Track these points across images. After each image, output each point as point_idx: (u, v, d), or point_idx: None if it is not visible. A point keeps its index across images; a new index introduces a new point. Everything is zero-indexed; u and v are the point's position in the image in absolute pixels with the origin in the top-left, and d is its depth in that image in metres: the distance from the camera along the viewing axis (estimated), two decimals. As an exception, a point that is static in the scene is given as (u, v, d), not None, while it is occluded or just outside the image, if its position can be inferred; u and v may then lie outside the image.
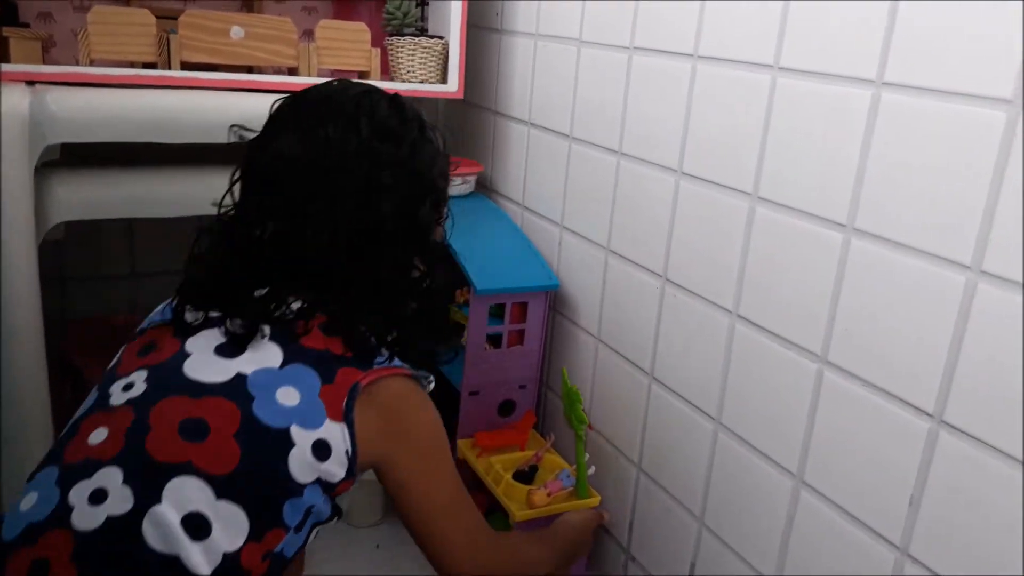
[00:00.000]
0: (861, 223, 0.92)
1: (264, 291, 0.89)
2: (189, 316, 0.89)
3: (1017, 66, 0.77)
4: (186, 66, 1.33)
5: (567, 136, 1.48)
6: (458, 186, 1.66)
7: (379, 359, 0.89)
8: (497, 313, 1.48)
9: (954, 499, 0.84)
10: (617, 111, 1.32)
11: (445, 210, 0.98)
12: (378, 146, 0.90)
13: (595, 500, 1.38)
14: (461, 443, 1.51)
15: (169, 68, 1.32)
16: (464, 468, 1.34)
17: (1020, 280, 0.77)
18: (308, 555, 0.97)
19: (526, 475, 1.40)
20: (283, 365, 0.85)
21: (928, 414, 0.86)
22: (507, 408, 1.56)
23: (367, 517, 1.62)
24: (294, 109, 0.93)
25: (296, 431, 0.82)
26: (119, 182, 1.33)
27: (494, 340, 1.50)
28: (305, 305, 0.88)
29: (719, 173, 1.12)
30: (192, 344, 0.87)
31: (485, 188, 1.78)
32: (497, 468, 1.40)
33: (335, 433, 0.84)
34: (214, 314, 0.88)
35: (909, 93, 0.86)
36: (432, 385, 0.94)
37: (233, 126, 1.01)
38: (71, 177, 1.29)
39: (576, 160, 1.46)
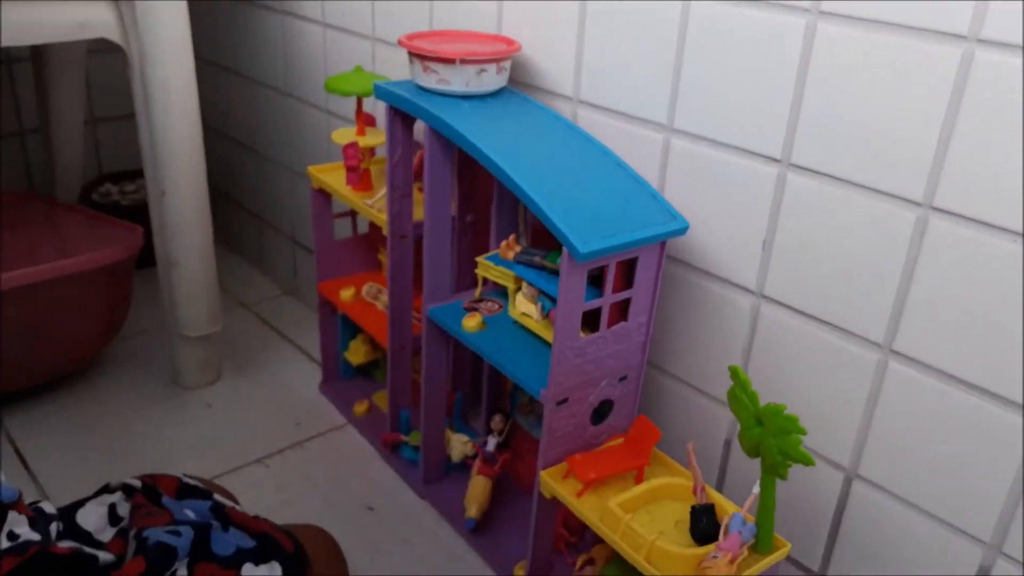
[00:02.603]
0: (797, 158, 0.91)
1: None
2: None
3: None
4: None
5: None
6: (486, 76, 1.08)
7: None
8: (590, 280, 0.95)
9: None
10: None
11: None
12: None
13: (783, 552, 0.91)
14: (547, 476, 1.00)
15: None
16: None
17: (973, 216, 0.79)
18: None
19: (700, 525, 0.91)
20: None
21: (877, 344, 0.89)
22: (603, 411, 1.04)
23: (199, 377, 1.57)
24: None
25: None
26: None
27: (586, 320, 0.97)
28: None
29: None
30: None
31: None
32: (638, 526, 0.90)
33: None
34: None
35: (850, 24, 0.83)
36: None
37: None
38: None
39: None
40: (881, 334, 0.89)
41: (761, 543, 0.90)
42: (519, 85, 1.20)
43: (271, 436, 1.44)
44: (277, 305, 1.89)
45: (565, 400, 0.98)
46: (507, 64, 1.11)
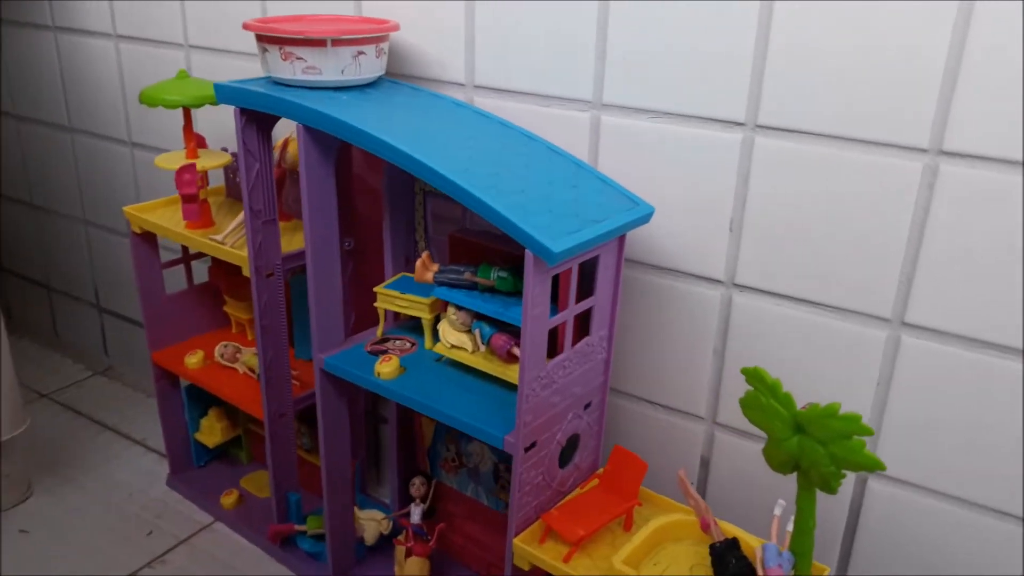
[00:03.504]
0: (767, 118, 0.79)
1: None
2: None
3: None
4: None
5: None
6: (365, 61, 0.87)
7: None
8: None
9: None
10: None
11: None
12: None
13: (823, 578, 0.77)
14: (521, 544, 0.80)
15: None
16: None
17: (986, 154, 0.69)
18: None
19: (731, 567, 0.73)
20: None
21: (885, 319, 0.78)
22: (570, 448, 0.86)
23: (3, 496, 1.20)
24: None
25: None
26: None
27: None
28: None
29: None
30: None
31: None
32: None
33: None
34: None
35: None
36: None
37: None
38: None
39: None
40: (889, 307, 0.77)
41: (800, 572, 0.74)
42: (395, 76, 1.00)
43: (119, 555, 1.11)
44: (88, 390, 1.53)
45: (533, 445, 0.79)
46: (386, 47, 0.90)
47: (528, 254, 0.69)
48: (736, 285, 0.85)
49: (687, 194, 0.84)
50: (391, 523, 1.06)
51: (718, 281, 0.86)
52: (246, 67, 1.13)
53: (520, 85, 0.91)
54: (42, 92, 1.43)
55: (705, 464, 0.94)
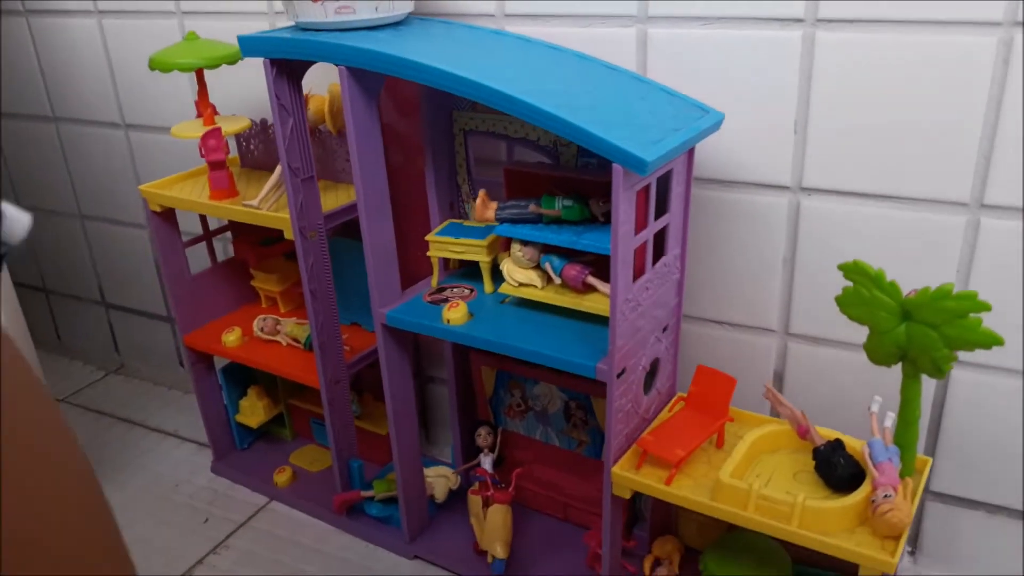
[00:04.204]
0: (827, 11, 0.77)
1: None
2: None
3: None
4: None
5: None
6: None
7: None
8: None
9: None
10: None
11: None
12: None
13: (927, 468, 0.77)
14: (620, 471, 0.78)
15: None
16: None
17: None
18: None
19: (839, 467, 0.73)
20: None
21: (963, 204, 0.77)
22: (651, 374, 0.84)
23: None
24: None
25: None
26: None
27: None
28: None
29: None
30: None
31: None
32: (767, 490, 0.71)
33: None
34: None
35: None
36: None
37: None
38: None
39: None
40: (967, 190, 0.77)
41: (906, 465, 0.74)
42: (420, 15, 0.95)
43: (181, 546, 1.07)
44: (104, 390, 1.48)
45: (623, 371, 0.77)
46: (412, -19, 0.86)
47: (616, 168, 0.66)
48: (804, 189, 0.83)
49: (746, 100, 0.82)
50: (459, 478, 1.04)
51: (784, 187, 0.84)
52: (246, 28, 1.08)
53: (555, 8, 0.88)
54: (18, 83, 1.36)
55: (779, 378, 0.93)
